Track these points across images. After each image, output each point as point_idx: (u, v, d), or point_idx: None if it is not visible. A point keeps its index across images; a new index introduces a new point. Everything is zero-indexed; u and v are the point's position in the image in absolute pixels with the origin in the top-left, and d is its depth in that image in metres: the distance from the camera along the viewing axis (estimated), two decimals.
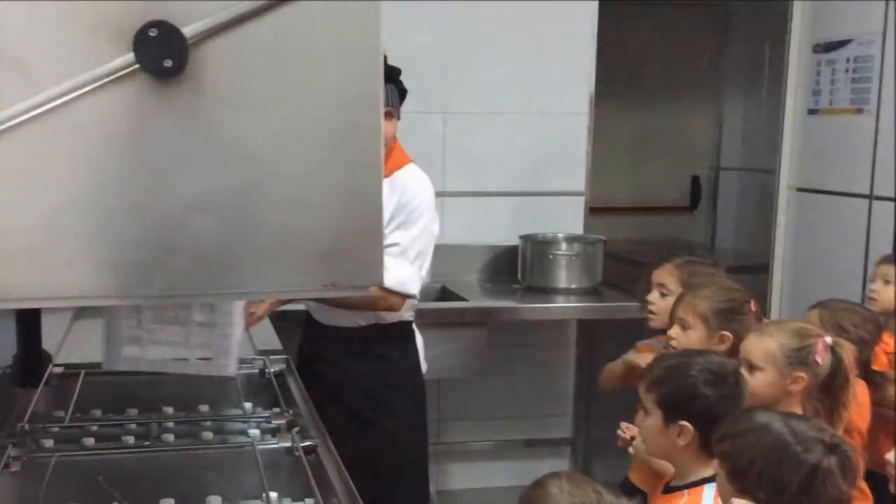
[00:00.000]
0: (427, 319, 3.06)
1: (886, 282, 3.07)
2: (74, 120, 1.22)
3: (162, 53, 1.20)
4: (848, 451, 1.61)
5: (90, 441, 2.08)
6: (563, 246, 3.85)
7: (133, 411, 2.32)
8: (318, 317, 2.96)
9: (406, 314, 2.92)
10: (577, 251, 3.78)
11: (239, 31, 1.25)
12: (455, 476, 4.13)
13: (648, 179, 6.48)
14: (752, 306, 2.44)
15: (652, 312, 2.81)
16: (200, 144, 1.27)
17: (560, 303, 3.64)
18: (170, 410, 2.33)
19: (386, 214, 2.70)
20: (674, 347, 2.43)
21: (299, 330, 3.06)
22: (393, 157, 2.87)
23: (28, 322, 2.35)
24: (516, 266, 3.93)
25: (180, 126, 1.26)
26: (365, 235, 1.34)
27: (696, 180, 6.62)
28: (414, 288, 2.80)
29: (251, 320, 2.71)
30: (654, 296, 2.79)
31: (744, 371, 2.16)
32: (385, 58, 3.15)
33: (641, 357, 2.81)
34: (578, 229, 4.09)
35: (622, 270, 5.94)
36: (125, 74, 1.22)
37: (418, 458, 2.99)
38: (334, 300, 2.77)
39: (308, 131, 1.30)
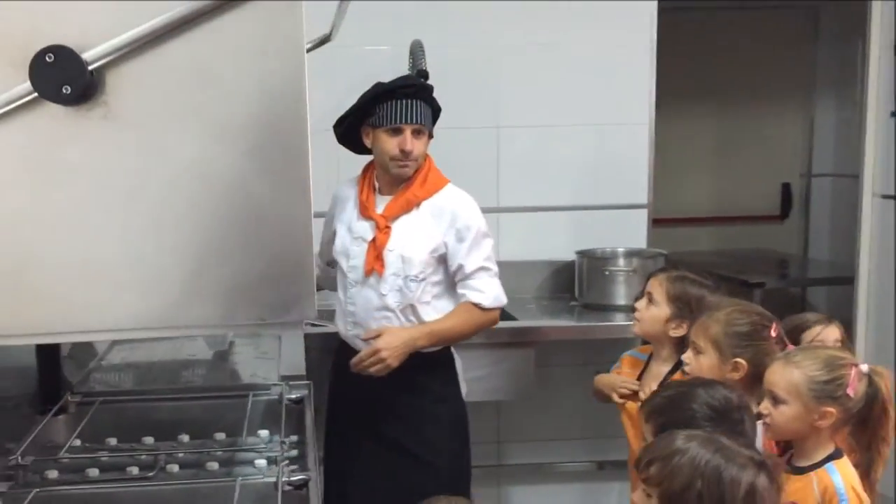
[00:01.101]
0: (473, 339, 2.94)
1: None
2: None
3: (59, 79, 1.13)
4: (772, 467, 1.57)
5: (94, 472, 2.04)
6: (621, 261, 3.68)
7: (149, 439, 2.28)
8: (349, 343, 2.87)
9: None
10: (636, 266, 3.60)
11: (149, 55, 1.18)
12: (517, 498, 4.00)
13: (734, 187, 6.22)
14: (774, 330, 2.22)
15: (636, 319, 2.71)
16: (115, 172, 1.20)
17: (618, 320, 3.46)
18: (186, 438, 2.29)
19: (434, 240, 2.78)
20: (686, 373, 2.25)
21: (332, 354, 2.98)
22: (431, 179, 2.83)
23: (46, 350, 2.34)
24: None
25: (93, 154, 1.19)
26: (294, 267, 1.25)
27: (786, 188, 6.33)
28: (505, 298, 2.87)
29: (378, 366, 2.68)
30: (641, 302, 2.69)
31: (768, 403, 1.97)
32: (426, 74, 3.13)
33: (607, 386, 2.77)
34: (641, 243, 3.90)
35: None
36: (31, 102, 1.16)
37: (461, 489, 2.88)
38: (448, 336, 2.80)
39: (227, 158, 1.22)
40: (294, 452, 2.10)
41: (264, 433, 2.26)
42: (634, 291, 3.45)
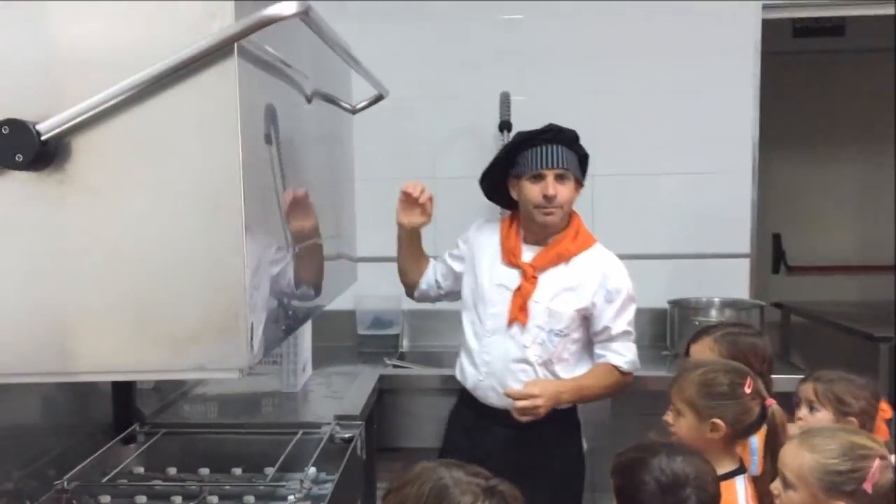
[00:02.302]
0: None
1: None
2: None
3: (13, 149, 1.27)
4: (506, 493, 1.57)
5: (142, 499, 2.18)
6: (713, 312, 3.58)
7: (205, 470, 2.41)
8: (478, 395, 2.80)
9: None
10: (728, 317, 3.49)
11: (99, 128, 1.30)
12: None
13: (880, 235, 5.89)
14: (748, 387, 2.10)
15: None
16: (69, 229, 1.32)
17: None
18: (238, 471, 2.40)
19: (584, 298, 2.70)
20: (672, 433, 2.17)
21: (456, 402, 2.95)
22: (581, 235, 2.78)
23: (119, 382, 2.51)
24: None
25: (50, 215, 1.32)
26: (229, 320, 1.33)
27: None
28: (639, 363, 2.83)
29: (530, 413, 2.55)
30: None
31: (778, 484, 1.87)
32: (509, 125, 3.15)
33: None
34: (744, 293, 3.78)
35: (811, 337, 5.44)
36: None
37: None
38: (588, 395, 2.73)
39: (169, 220, 1.33)
40: (324, 490, 2.17)
41: (312, 470, 2.34)
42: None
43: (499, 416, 2.71)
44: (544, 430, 2.66)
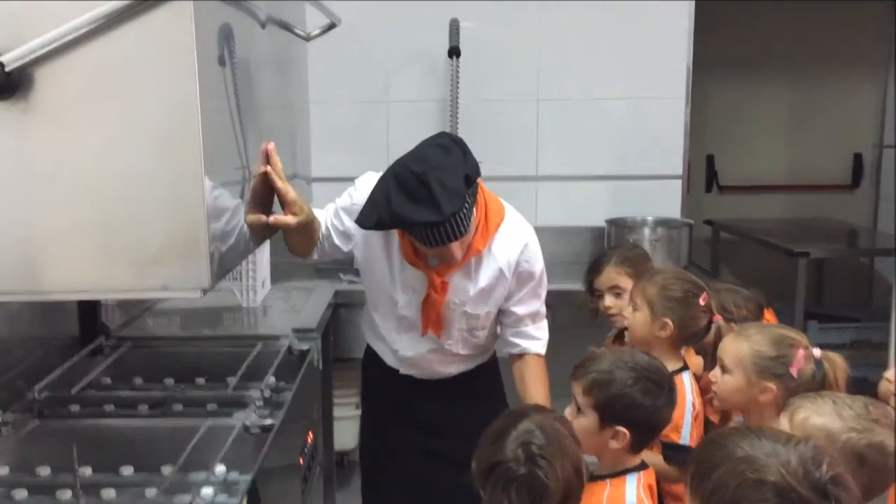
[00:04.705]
0: None
1: None
2: None
3: None
4: None
5: (111, 408, 2.21)
6: (647, 231, 3.67)
7: (170, 380, 2.44)
8: (403, 370, 2.43)
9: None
10: (660, 235, 3.58)
11: (62, 59, 1.30)
12: None
13: (806, 156, 6.01)
14: (703, 300, 2.24)
15: (613, 315, 2.60)
16: (34, 156, 1.33)
17: None
18: (202, 381, 2.44)
19: (500, 290, 2.26)
20: (624, 327, 2.32)
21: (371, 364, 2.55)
22: (490, 219, 2.22)
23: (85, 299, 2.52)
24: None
25: (15, 142, 1.32)
26: (190, 242, 1.36)
27: (858, 158, 6.07)
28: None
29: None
30: (609, 300, 2.61)
31: (717, 371, 1.99)
32: (458, 51, 3.13)
33: None
34: (676, 213, 3.87)
35: (739, 252, 5.59)
36: None
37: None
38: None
39: (131, 147, 1.34)
40: (282, 398, 2.22)
41: (271, 380, 2.38)
42: (658, 259, 3.45)
43: (413, 381, 2.43)
44: (461, 387, 2.44)
